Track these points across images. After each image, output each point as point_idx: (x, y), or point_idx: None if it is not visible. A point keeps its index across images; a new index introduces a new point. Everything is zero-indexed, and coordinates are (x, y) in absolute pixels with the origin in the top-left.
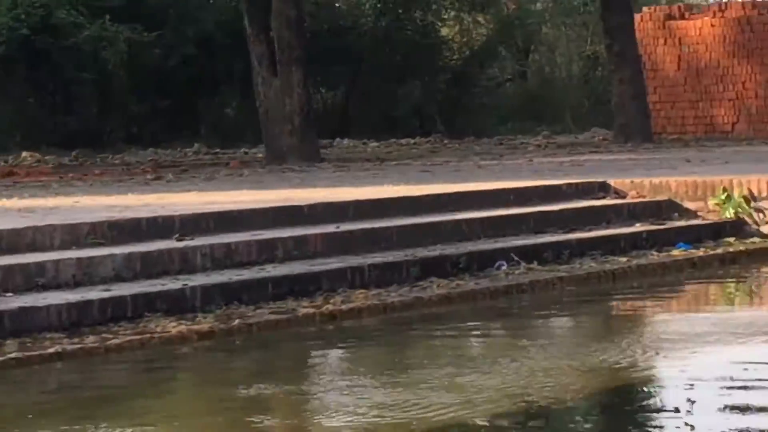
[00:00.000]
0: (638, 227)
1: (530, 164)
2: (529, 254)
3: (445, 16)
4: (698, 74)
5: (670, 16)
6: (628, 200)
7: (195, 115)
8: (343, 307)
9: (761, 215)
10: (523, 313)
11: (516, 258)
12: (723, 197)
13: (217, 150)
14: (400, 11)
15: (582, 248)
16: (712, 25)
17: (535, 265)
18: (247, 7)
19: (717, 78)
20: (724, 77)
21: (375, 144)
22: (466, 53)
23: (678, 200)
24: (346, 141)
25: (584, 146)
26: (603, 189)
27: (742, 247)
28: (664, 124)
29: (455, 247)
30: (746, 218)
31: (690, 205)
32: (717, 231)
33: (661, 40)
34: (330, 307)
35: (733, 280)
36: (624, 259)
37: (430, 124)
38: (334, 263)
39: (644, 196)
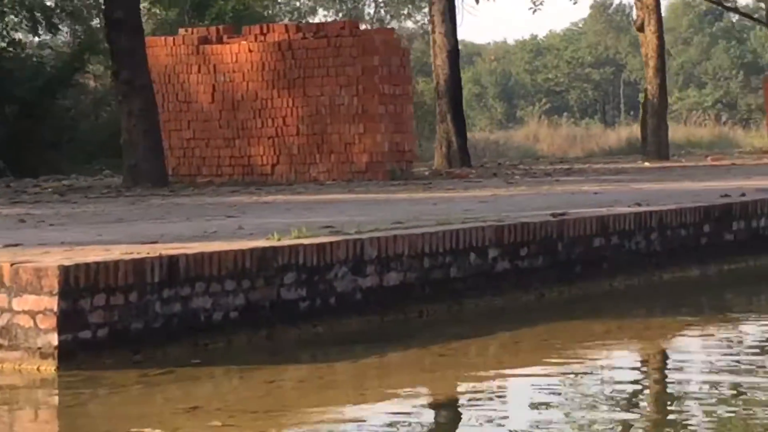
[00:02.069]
0: None
1: None
2: None
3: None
4: (234, 107)
5: (206, 40)
6: None
7: None
8: None
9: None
10: None
11: None
12: None
13: None
14: None
15: None
16: (250, 51)
17: None
18: None
19: (255, 112)
20: (263, 111)
21: None
22: (38, 81)
23: None
24: None
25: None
26: None
27: None
28: (199, 165)
29: None
30: None
31: None
32: None
33: (195, 67)
34: None
35: None
36: None
37: None
38: None
39: None
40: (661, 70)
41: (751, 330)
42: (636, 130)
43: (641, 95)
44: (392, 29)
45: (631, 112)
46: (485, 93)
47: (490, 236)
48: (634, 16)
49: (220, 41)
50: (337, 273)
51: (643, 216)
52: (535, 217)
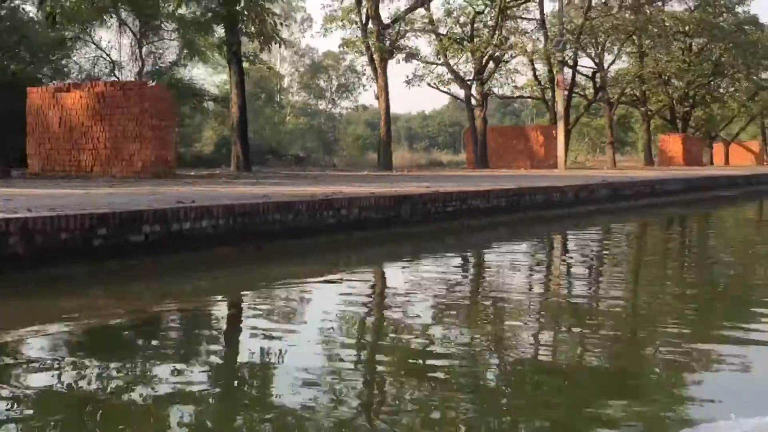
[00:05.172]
0: None
1: None
2: None
3: None
4: (71, 130)
5: (59, 89)
6: None
7: None
8: None
9: None
10: None
11: None
12: None
13: None
14: None
15: None
16: (81, 97)
17: None
18: None
19: (82, 133)
20: (87, 132)
21: None
22: None
23: None
24: None
25: None
26: None
27: None
28: (53, 164)
29: None
30: None
31: None
32: None
33: (53, 107)
34: None
35: None
36: None
37: None
38: None
39: None
40: None
41: None
42: None
43: None
44: (160, 85)
45: None
46: None
47: None
48: None
49: (67, 90)
50: None
51: None
52: None
